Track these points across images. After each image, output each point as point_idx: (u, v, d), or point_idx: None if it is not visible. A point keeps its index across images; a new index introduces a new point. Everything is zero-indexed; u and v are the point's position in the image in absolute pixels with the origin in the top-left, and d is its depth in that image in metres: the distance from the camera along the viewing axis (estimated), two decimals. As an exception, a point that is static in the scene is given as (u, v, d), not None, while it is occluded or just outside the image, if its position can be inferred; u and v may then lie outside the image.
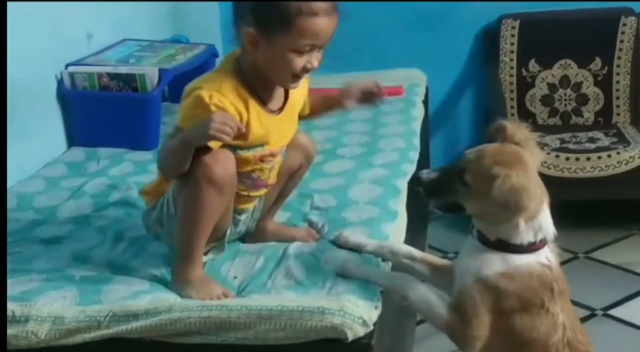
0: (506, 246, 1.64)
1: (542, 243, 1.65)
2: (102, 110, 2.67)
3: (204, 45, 3.10)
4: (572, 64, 3.60)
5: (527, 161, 1.64)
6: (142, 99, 2.66)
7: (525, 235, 1.62)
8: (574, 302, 2.72)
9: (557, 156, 3.20)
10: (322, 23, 1.65)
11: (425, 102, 3.20)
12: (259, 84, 1.74)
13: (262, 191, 1.87)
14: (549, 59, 3.60)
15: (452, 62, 3.71)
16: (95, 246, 1.93)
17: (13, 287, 1.70)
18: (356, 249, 1.83)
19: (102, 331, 1.57)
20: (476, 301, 1.62)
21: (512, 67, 3.61)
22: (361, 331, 1.52)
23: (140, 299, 1.64)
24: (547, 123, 3.64)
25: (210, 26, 3.56)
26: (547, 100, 3.63)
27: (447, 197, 1.67)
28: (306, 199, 2.14)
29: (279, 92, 1.80)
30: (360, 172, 2.33)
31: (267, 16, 1.64)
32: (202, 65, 2.94)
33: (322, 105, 1.97)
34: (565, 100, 3.63)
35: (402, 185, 2.23)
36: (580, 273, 3.03)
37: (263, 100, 1.75)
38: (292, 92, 1.82)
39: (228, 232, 1.82)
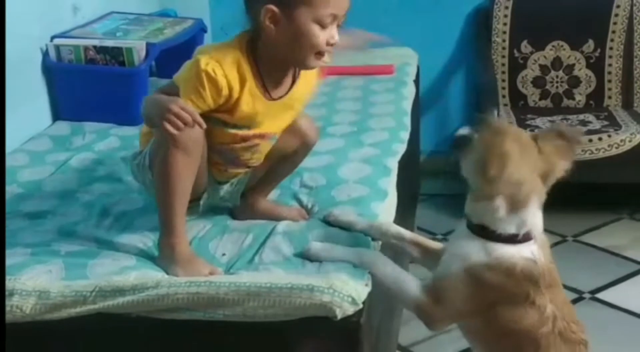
0: (487, 233, 1.62)
1: (526, 237, 1.62)
2: (88, 84, 2.64)
3: (192, 20, 3.06)
4: (564, 45, 3.59)
5: (535, 149, 1.62)
6: (129, 73, 2.63)
7: (505, 225, 1.60)
8: (562, 286, 2.74)
9: (548, 138, 3.19)
10: None
11: (417, 81, 3.18)
12: (268, 69, 1.71)
13: (242, 170, 1.85)
14: (541, 41, 3.58)
15: (444, 42, 3.69)
16: (81, 221, 1.90)
17: (-4, 261, 1.67)
18: (347, 228, 1.81)
19: (88, 306, 1.54)
20: (458, 288, 1.61)
21: (504, 48, 3.59)
22: (350, 309, 1.51)
23: (127, 274, 1.62)
24: (539, 105, 3.63)
25: (199, 0, 3.52)
26: (538, 82, 3.62)
27: (462, 149, 1.66)
28: (296, 177, 2.12)
29: (286, 81, 1.77)
30: (350, 151, 2.31)
31: None
32: (190, 40, 2.90)
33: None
34: (557, 82, 3.62)
35: (393, 164, 2.22)
36: (568, 256, 3.03)
37: (265, 85, 1.72)
38: (300, 85, 1.79)
39: (205, 195, 1.80)
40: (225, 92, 1.65)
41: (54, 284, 1.58)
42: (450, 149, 1.72)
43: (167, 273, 1.65)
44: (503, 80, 3.61)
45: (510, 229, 1.60)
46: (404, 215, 2.34)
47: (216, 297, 1.52)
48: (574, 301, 2.73)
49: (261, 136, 1.79)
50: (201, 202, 1.81)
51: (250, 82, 1.69)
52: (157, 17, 3.08)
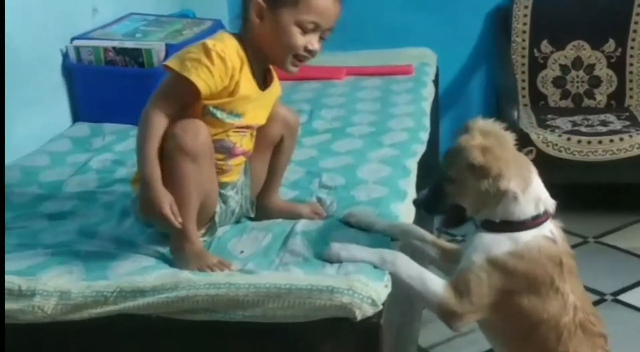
0: (512, 225, 1.62)
1: (546, 215, 1.64)
2: (107, 85, 2.64)
3: (211, 21, 3.06)
4: (585, 45, 3.56)
5: (497, 135, 1.66)
6: (148, 74, 2.62)
7: (526, 208, 1.61)
8: (584, 287, 2.71)
9: (569, 139, 3.18)
10: (328, 4, 1.72)
11: (436, 81, 3.17)
12: (255, 61, 1.76)
13: (240, 159, 1.85)
14: (561, 40, 3.57)
15: (463, 42, 3.68)
16: (101, 222, 1.91)
17: (19, 261, 1.68)
18: (366, 228, 1.80)
19: (109, 307, 1.55)
20: (482, 279, 1.60)
21: (524, 48, 3.57)
22: (370, 311, 1.50)
23: (147, 275, 1.62)
24: (559, 105, 3.61)
25: (217, 1, 3.53)
26: (559, 82, 3.60)
27: (444, 203, 1.67)
28: (314, 178, 2.12)
29: (267, 77, 1.83)
30: (369, 151, 2.30)
31: None
32: (209, 41, 2.89)
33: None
34: (578, 82, 3.59)
35: (412, 165, 2.21)
36: (590, 258, 3.01)
37: (254, 73, 1.77)
38: (275, 83, 1.85)
39: (218, 209, 1.80)
40: (230, 71, 1.69)
41: (75, 285, 1.59)
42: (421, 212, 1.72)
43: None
44: (523, 80, 3.60)
45: (530, 210, 1.62)
46: (423, 216, 2.33)
47: (235, 298, 1.51)
48: (596, 303, 2.70)
49: (249, 127, 1.82)
50: (216, 218, 1.81)
51: (246, 67, 1.74)
52: (176, 18, 3.08)
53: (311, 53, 1.75)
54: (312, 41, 1.73)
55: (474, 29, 3.67)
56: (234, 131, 1.78)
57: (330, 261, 1.67)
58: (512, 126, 3.08)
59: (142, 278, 1.60)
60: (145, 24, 2.90)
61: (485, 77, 3.75)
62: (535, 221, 1.63)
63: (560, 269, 1.62)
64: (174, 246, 1.71)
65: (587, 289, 2.70)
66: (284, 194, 2.01)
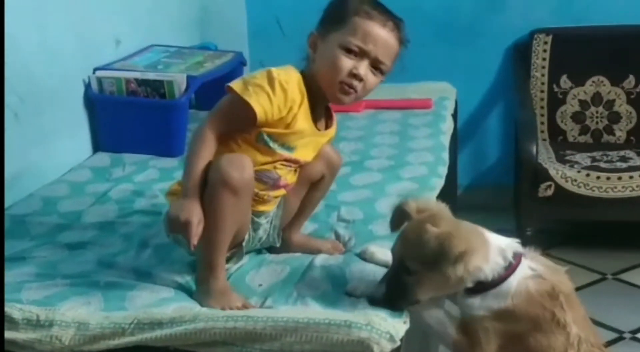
0: (488, 285, 1.60)
1: (517, 257, 1.61)
2: (128, 116, 2.67)
3: (232, 53, 3.09)
4: (604, 81, 3.56)
5: (442, 215, 1.62)
6: (169, 105, 2.65)
7: (495, 266, 1.59)
8: (602, 325, 2.68)
9: (588, 175, 3.15)
10: (376, 29, 1.71)
11: (455, 116, 3.17)
12: (315, 97, 1.76)
13: (281, 192, 1.85)
14: (581, 76, 3.56)
15: (482, 77, 3.68)
16: (120, 252, 1.91)
17: (37, 291, 1.69)
18: (382, 265, 1.79)
19: (127, 338, 1.55)
20: (487, 328, 1.60)
21: (543, 83, 3.57)
22: (388, 346, 1.49)
23: (166, 306, 1.62)
24: (578, 141, 3.59)
25: (239, 34, 3.56)
26: (578, 118, 3.59)
27: (407, 296, 1.60)
28: (333, 211, 2.12)
29: (324, 118, 1.83)
30: (388, 185, 2.30)
31: (329, 16, 1.75)
32: (229, 73, 2.93)
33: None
34: (597, 117, 3.58)
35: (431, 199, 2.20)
36: (608, 295, 2.98)
37: (313, 110, 1.77)
38: (332, 127, 1.85)
39: (247, 237, 1.80)
40: (289, 103, 1.69)
41: (93, 316, 1.59)
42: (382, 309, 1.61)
43: (202, 306, 1.65)
44: (542, 115, 3.59)
45: (500, 264, 1.59)
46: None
47: (253, 332, 1.51)
48: (614, 341, 2.67)
49: (297, 162, 1.81)
50: (244, 244, 1.81)
51: (305, 103, 1.74)
52: (198, 50, 3.12)
53: (357, 78, 1.71)
54: (358, 66, 1.70)
55: (493, 63, 3.68)
56: (282, 164, 1.78)
57: (354, 295, 1.66)
58: (531, 161, 3.14)
59: (160, 310, 1.59)
60: (167, 55, 2.94)
61: (504, 112, 3.75)
62: (510, 269, 1.60)
63: (557, 300, 1.61)
64: (199, 276, 1.71)
65: (605, 326, 2.70)
66: (302, 228, 2.00)
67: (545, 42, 3.55)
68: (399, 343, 1.51)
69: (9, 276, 1.76)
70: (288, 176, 1.82)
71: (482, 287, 1.60)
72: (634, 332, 2.76)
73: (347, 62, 1.70)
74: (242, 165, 1.64)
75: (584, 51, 3.56)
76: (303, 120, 1.74)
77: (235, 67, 3.04)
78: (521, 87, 3.57)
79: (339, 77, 1.71)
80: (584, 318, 1.67)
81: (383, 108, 3.13)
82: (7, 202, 2.15)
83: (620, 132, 3.58)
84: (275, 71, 1.69)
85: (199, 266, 1.71)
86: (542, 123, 3.59)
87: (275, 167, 1.77)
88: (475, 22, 3.63)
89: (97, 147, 2.71)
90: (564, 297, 1.62)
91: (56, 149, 2.48)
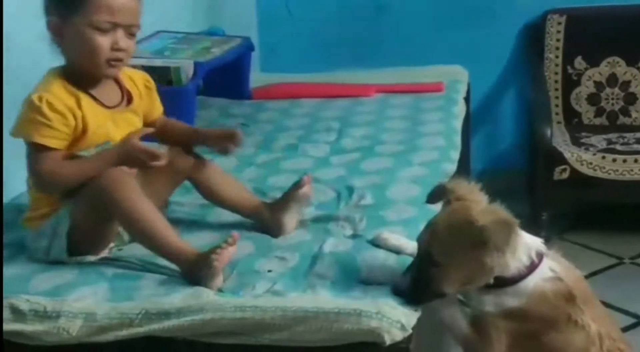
0: (506, 281, 1.57)
1: (539, 256, 1.59)
2: (136, 103, 2.64)
3: (240, 38, 3.06)
4: (620, 61, 3.51)
5: (480, 205, 1.58)
6: (176, 92, 2.62)
7: (519, 262, 1.56)
8: (619, 309, 2.65)
9: (603, 157, 3.12)
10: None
11: (467, 99, 3.14)
12: (86, 82, 1.76)
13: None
14: (595, 57, 3.52)
15: (494, 59, 3.65)
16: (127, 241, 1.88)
17: (45, 282, 1.68)
18: (395, 251, 1.77)
19: (135, 329, 1.53)
20: (498, 326, 1.58)
21: (557, 65, 3.53)
22: (399, 335, 1.47)
23: (173, 295, 1.60)
24: (593, 123, 3.55)
25: (247, 19, 3.53)
26: (593, 99, 3.55)
27: (432, 290, 1.56)
28: (343, 197, 2.09)
29: (112, 87, 1.82)
30: (399, 170, 2.27)
31: None
32: (237, 59, 2.90)
33: (176, 134, 1.96)
34: (613, 99, 3.54)
35: (443, 185, 2.17)
36: (625, 279, 2.95)
37: (94, 97, 1.77)
38: (130, 88, 1.85)
39: None
40: (69, 116, 1.69)
41: (100, 306, 1.57)
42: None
43: (208, 287, 1.62)
44: (556, 98, 3.55)
45: (524, 261, 1.57)
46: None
47: (262, 322, 1.49)
48: (632, 326, 2.64)
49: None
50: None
51: (83, 98, 1.74)
52: (205, 36, 3.08)
53: (121, 50, 1.72)
54: (117, 39, 1.71)
55: (506, 45, 3.64)
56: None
57: (377, 245, 1.69)
58: (546, 144, 3.10)
59: (168, 299, 1.58)
60: (174, 41, 2.91)
61: (517, 95, 3.72)
62: (531, 268, 1.58)
63: (574, 303, 1.58)
64: (182, 269, 1.68)
65: (622, 311, 2.66)
66: (309, 213, 1.99)
67: (559, 23, 3.51)
68: (410, 332, 1.49)
69: (18, 265, 1.76)
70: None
71: (500, 283, 1.57)
72: (651, 316, 2.74)
73: (104, 41, 1.70)
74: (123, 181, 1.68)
75: (598, 31, 3.51)
76: (92, 115, 1.74)
77: (243, 53, 3.01)
78: (535, 69, 3.54)
79: (103, 56, 1.71)
80: (604, 315, 1.65)
81: (393, 92, 3.10)
82: (15, 191, 2.14)
83: (637, 114, 3.53)
84: (36, 97, 1.68)
85: (169, 260, 1.69)
86: (557, 105, 3.56)
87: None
88: (487, 3, 3.59)
89: (105, 135, 2.70)
90: (581, 299, 1.59)
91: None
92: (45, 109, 1.67)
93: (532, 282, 1.58)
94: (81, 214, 1.71)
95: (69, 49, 1.74)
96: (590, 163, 3.11)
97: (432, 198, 1.67)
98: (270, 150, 2.54)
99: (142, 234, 1.69)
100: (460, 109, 2.91)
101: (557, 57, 3.54)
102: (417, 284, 1.55)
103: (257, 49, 3.28)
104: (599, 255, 3.08)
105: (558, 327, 1.58)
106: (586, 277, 2.94)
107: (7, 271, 1.73)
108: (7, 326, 1.55)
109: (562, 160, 3.11)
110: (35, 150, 1.70)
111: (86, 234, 1.73)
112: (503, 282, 1.57)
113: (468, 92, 3.21)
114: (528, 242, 1.59)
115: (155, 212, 1.70)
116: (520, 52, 3.65)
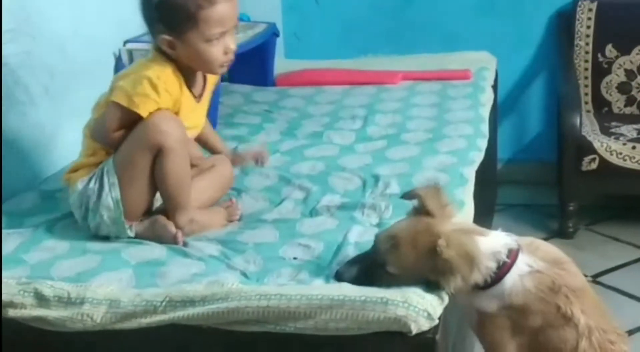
0: (481, 287, 1.55)
1: (512, 255, 1.55)
2: (161, 89, 2.64)
3: (265, 24, 3.04)
4: (652, 49, 3.45)
5: (443, 227, 1.54)
6: (201, 78, 2.61)
7: (485, 271, 1.53)
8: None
9: (634, 147, 3.06)
10: (223, 9, 1.78)
11: (495, 87, 3.10)
12: (184, 71, 1.85)
13: None
14: (627, 44, 3.44)
15: (523, 46, 3.59)
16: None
17: (69, 268, 1.67)
18: None
19: (159, 316, 1.52)
20: (498, 325, 1.58)
21: (587, 52, 3.47)
22: (426, 325, 1.45)
23: (197, 282, 1.59)
24: (624, 112, 3.49)
25: (273, 4, 3.51)
26: (624, 88, 3.48)
27: (378, 285, 1.54)
28: (368, 185, 2.07)
29: (200, 80, 1.92)
30: (425, 159, 2.25)
31: (173, 19, 1.77)
32: (262, 45, 2.88)
33: (204, 140, 2.12)
34: (644, 88, 3.48)
35: (470, 174, 2.15)
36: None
37: (188, 85, 1.87)
38: (208, 78, 1.95)
39: None
40: (175, 101, 1.81)
41: (124, 293, 1.57)
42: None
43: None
44: (586, 86, 3.49)
45: (492, 267, 1.54)
46: (480, 226, 2.26)
47: (287, 310, 1.48)
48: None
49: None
50: None
51: (183, 86, 1.84)
52: (230, 21, 3.06)
53: (232, 52, 1.84)
54: (227, 44, 1.81)
55: (535, 32, 3.59)
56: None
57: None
58: (574, 134, 3.05)
59: (192, 286, 1.57)
60: (199, 28, 2.89)
61: (546, 83, 3.66)
62: (504, 269, 1.54)
63: (559, 293, 1.55)
64: (180, 220, 1.82)
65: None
66: (335, 200, 1.98)
67: (590, 9, 3.45)
68: (437, 321, 1.47)
69: (40, 252, 1.76)
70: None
71: (476, 288, 1.56)
72: (680, 308, 2.69)
73: (218, 50, 1.80)
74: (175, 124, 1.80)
75: (630, 18, 3.43)
76: (186, 103, 1.85)
77: (268, 39, 2.99)
78: (564, 56, 3.47)
79: (218, 63, 1.83)
80: (595, 306, 1.61)
81: (420, 79, 3.08)
82: (39, 177, 2.15)
83: (668, 103, 3.47)
84: (154, 75, 1.77)
85: (171, 210, 1.83)
86: (586, 94, 3.50)
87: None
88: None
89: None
90: (568, 289, 1.56)
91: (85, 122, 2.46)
92: (160, 87, 1.76)
93: (508, 282, 1.54)
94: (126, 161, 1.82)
95: (183, 56, 1.81)
96: (620, 153, 3.06)
97: (405, 198, 1.66)
98: (295, 137, 2.52)
99: (177, 192, 1.82)
100: (487, 97, 2.88)
101: (587, 44, 3.47)
102: (361, 280, 1.54)
103: (281, 35, 3.25)
104: (628, 247, 3.03)
105: (551, 322, 1.55)
106: (614, 269, 2.95)
107: (31, 256, 1.73)
108: (30, 312, 1.55)
109: (591, 149, 3.06)
110: (126, 118, 1.78)
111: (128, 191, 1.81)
112: (478, 288, 1.55)
113: (496, 79, 3.18)
114: (494, 248, 1.55)
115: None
116: (550, 39, 3.58)
